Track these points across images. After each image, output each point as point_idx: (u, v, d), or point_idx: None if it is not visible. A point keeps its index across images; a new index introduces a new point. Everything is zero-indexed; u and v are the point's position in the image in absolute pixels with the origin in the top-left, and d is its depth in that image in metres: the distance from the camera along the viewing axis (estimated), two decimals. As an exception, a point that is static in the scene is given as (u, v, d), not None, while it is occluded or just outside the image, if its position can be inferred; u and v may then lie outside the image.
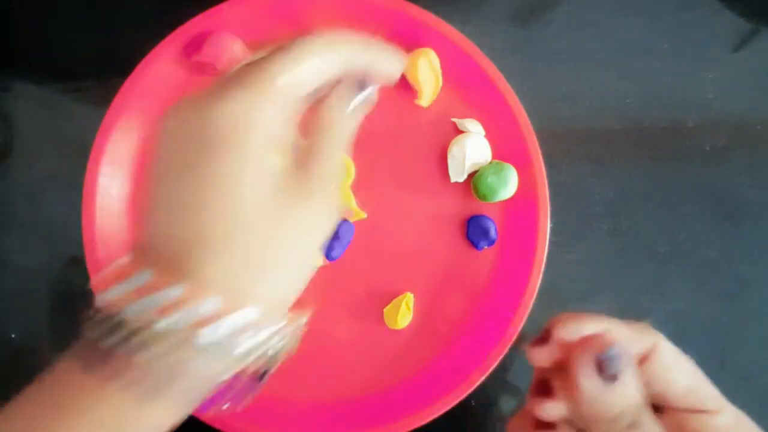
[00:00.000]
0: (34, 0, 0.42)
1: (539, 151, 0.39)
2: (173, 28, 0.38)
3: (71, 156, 0.39)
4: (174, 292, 0.19)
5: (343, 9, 0.40)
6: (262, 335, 0.21)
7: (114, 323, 0.19)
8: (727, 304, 0.42)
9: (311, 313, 0.23)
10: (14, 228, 0.41)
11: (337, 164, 0.23)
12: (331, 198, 0.22)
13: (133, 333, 0.19)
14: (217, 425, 0.35)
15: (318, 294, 0.39)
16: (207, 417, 0.35)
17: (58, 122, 0.41)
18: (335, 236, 0.39)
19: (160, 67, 0.38)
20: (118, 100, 0.38)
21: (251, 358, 0.21)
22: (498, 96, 0.39)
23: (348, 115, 0.23)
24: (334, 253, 0.38)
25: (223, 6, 0.38)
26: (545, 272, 0.38)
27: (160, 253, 0.20)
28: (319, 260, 0.23)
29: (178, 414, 0.21)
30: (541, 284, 0.38)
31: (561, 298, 0.41)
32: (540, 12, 0.43)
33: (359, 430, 0.37)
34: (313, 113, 0.23)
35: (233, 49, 0.38)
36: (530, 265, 0.38)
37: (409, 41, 0.40)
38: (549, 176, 0.39)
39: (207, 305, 0.19)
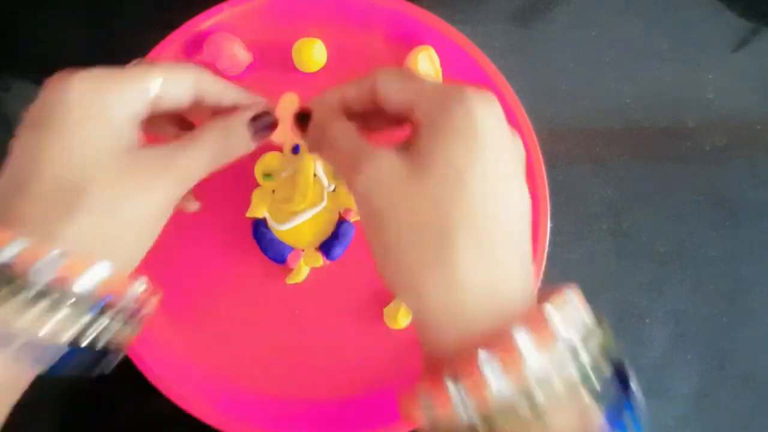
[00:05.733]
0: (34, 0, 0.42)
1: (539, 151, 0.39)
2: (173, 28, 0.38)
3: (71, 156, 0.39)
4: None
5: (342, 9, 0.40)
6: (128, 296, 0.23)
7: None
8: (727, 304, 0.42)
9: (145, 279, 0.25)
10: (14, 228, 0.41)
11: (205, 157, 0.26)
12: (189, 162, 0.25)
13: None
14: (216, 425, 0.35)
15: (318, 294, 0.39)
16: (206, 416, 0.35)
17: (58, 122, 0.41)
18: (335, 236, 0.39)
19: (160, 67, 0.38)
20: (118, 100, 0.38)
21: (105, 322, 0.22)
22: (498, 96, 0.39)
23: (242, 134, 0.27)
24: (334, 253, 0.38)
25: (223, 6, 0.38)
26: (545, 272, 0.38)
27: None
28: (168, 214, 0.26)
29: (10, 369, 0.21)
30: (541, 284, 0.38)
31: (561, 298, 0.41)
32: (540, 12, 0.43)
33: (359, 429, 0.37)
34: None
35: (233, 49, 0.38)
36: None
37: (409, 41, 0.40)
38: (549, 176, 0.39)
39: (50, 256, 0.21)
